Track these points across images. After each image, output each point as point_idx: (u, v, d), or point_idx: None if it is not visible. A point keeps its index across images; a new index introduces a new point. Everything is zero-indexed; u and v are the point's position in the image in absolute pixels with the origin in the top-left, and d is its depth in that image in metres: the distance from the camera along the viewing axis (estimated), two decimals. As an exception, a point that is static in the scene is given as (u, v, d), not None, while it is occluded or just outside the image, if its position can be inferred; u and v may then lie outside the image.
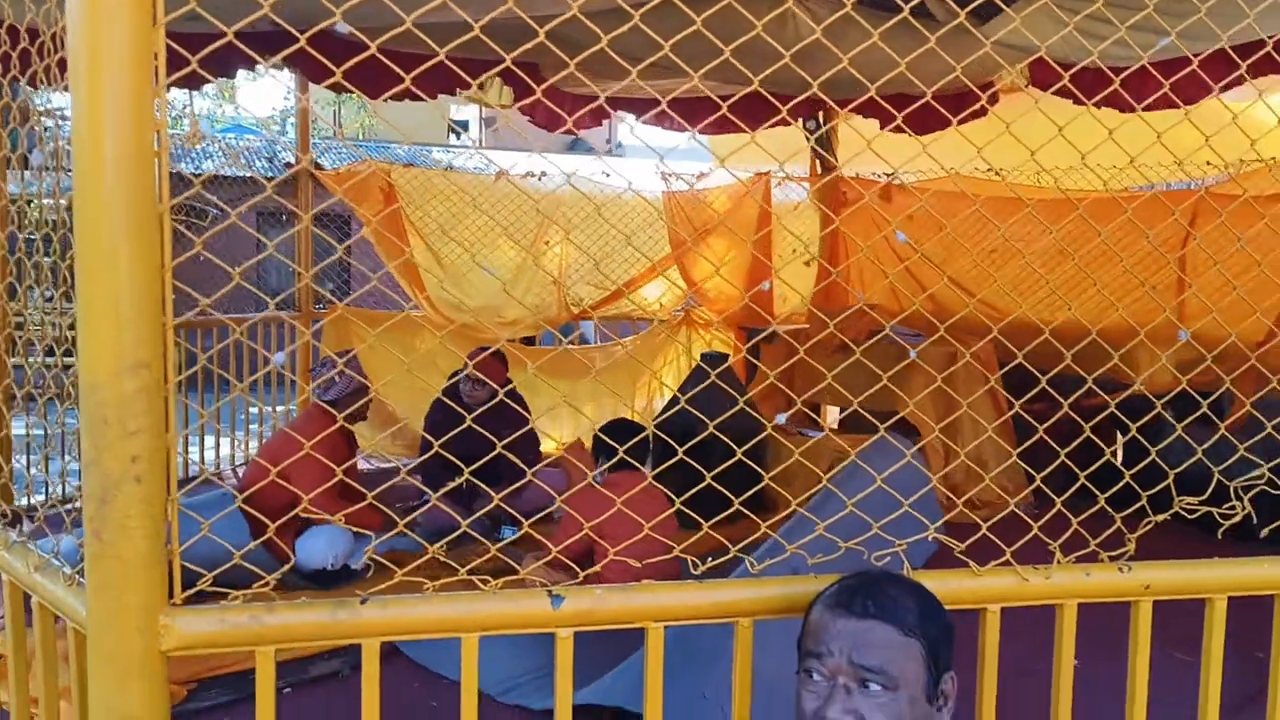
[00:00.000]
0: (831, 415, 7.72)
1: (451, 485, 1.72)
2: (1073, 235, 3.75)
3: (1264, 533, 1.99)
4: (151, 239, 1.31)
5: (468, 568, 1.64)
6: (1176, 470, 1.90)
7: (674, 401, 5.59)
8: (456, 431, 1.77)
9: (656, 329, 7.58)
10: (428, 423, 5.47)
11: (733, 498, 1.77)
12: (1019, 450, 2.08)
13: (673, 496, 1.82)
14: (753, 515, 1.87)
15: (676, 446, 1.72)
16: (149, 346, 1.31)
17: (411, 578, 1.54)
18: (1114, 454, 1.87)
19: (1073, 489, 1.86)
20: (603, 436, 4.15)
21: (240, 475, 5.92)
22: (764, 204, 6.48)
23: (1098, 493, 1.86)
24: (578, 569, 4.36)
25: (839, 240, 6.88)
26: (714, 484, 1.75)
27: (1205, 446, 1.93)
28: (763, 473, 1.79)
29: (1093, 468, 1.85)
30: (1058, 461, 1.88)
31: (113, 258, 1.29)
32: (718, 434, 1.77)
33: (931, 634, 1.36)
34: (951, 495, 1.80)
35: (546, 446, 5.60)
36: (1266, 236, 2.48)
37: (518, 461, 1.74)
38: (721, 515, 1.73)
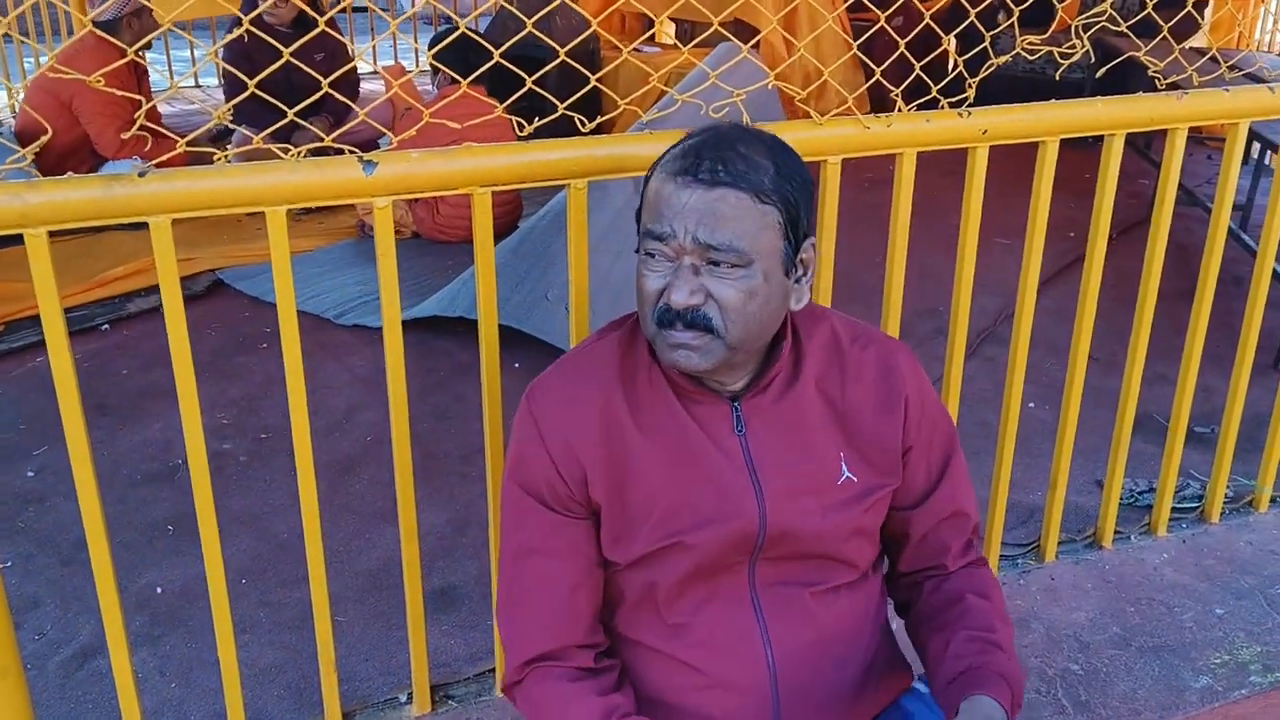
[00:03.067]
0: (669, 32, 7.43)
1: (277, 127, 1.42)
2: None
3: (1100, 73, 1.94)
4: None
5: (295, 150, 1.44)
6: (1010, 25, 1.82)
7: (502, 12, 5.22)
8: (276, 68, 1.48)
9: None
10: (227, 51, 4.96)
11: (558, 103, 1.55)
12: (858, 44, 1.95)
13: (508, 115, 1.62)
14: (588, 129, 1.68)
15: (507, 62, 1.52)
16: None
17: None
18: (950, 42, 1.75)
19: (909, 79, 1.75)
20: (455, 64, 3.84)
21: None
22: None
23: (931, 84, 1.76)
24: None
25: None
26: (546, 95, 1.56)
27: (1044, 38, 1.84)
28: (590, 75, 1.59)
29: (929, 57, 1.76)
30: (896, 54, 1.78)
31: None
32: (544, 39, 1.56)
33: (790, 197, 1.14)
34: (795, 93, 1.66)
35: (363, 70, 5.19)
36: None
37: (341, 98, 1.50)
38: (550, 118, 1.54)
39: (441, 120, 1.56)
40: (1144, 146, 5.06)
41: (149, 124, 4.22)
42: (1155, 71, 1.91)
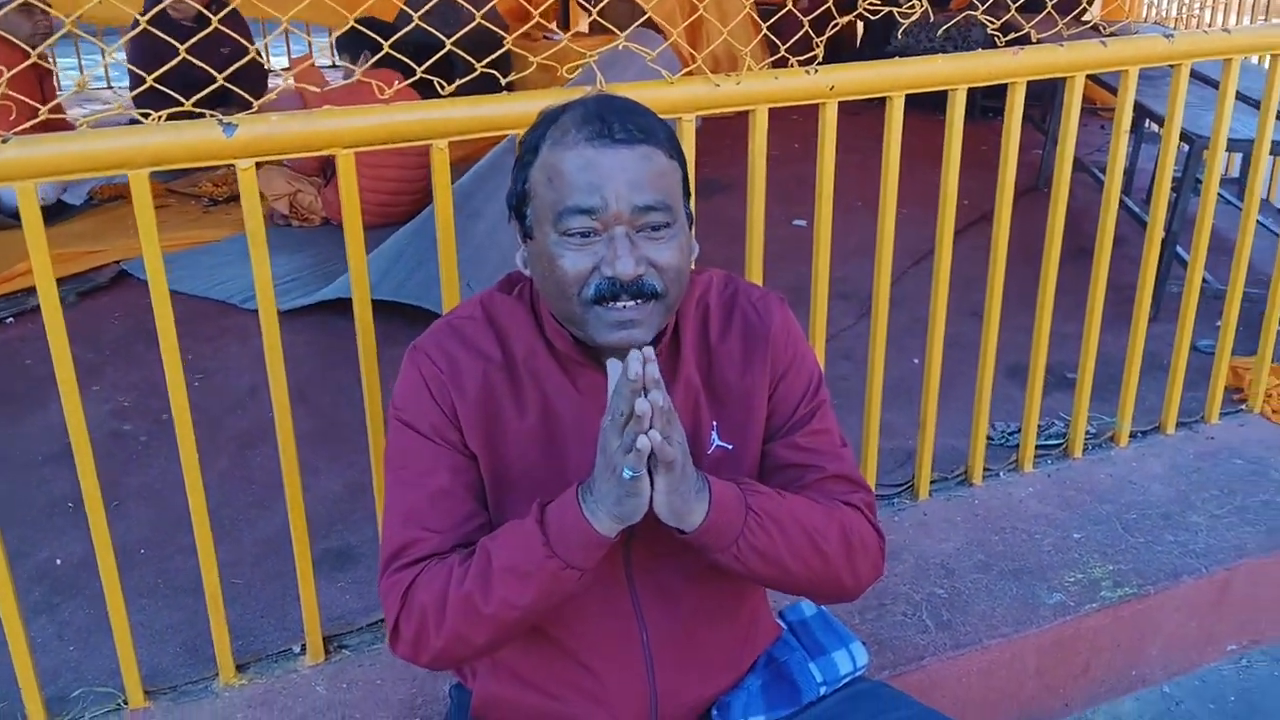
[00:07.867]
0: (581, 21, 7.50)
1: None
2: None
3: (940, 32, 2.06)
4: None
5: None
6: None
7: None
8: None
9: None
10: (131, 49, 4.94)
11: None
12: (768, 23, 2.04)
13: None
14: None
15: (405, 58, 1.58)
16: None
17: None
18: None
19: (816, 48, 1.85)
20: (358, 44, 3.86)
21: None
22: None
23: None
24: (323, 179, 4.22)
25: None
26: (438, 83, 1.61)
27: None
28: (499, 75, 1.67)
29: (831, 28, 1.86)
30: (800, 34, 1.85)
31: None
32: (437, 33, 1.63)
33: (681, 151, 1.15)
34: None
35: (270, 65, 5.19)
36: None
37: (241, 93, 1.55)
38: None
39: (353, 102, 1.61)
40: (1040, 120, 5.21)
41: (54, 117, 4.20)
42: (994, 29, 2.03)
